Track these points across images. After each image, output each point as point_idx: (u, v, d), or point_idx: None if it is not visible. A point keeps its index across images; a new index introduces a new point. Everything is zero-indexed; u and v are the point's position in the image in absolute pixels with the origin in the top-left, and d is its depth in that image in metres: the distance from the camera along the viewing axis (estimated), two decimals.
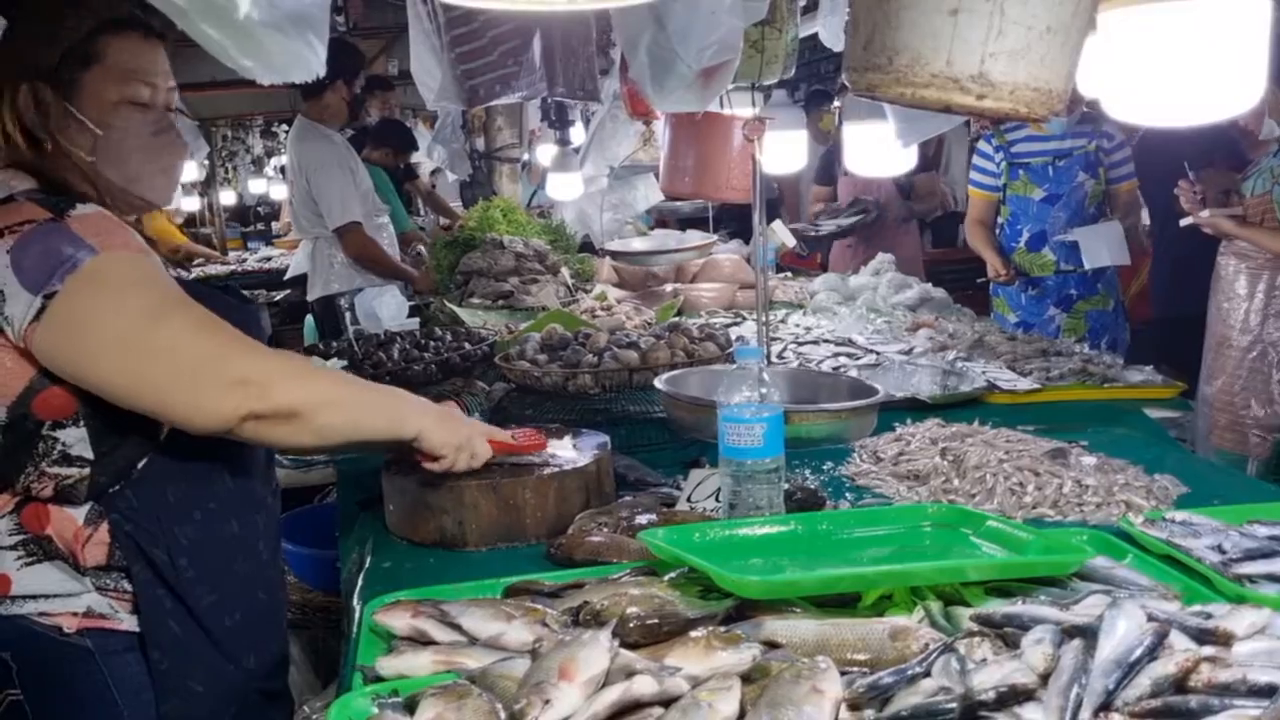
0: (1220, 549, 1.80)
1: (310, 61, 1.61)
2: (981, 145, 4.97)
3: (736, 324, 3.98)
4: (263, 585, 1.89)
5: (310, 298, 5.20)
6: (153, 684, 1.71)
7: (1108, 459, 2.39)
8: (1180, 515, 1.99)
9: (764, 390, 1.95)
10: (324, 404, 1.71)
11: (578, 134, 4.91)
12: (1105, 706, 1.15)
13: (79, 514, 1.69)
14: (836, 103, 5.94)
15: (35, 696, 1.71)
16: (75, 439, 1.65)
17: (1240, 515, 2.00)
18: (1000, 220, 4.94)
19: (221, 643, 1.77)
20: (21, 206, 1.62)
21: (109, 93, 1.72)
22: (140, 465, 1.71)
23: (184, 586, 1.71)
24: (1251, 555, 1.79)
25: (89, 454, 1.66)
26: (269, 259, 11.07)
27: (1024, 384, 2.99)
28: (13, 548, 1.69)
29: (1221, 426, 4.08)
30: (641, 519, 2.08)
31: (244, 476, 1.85)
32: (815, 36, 3.11)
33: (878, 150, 3.04)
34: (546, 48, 2.95)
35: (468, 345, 3.04)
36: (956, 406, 2.88)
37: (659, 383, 2.46)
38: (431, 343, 3.12)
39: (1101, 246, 4.55)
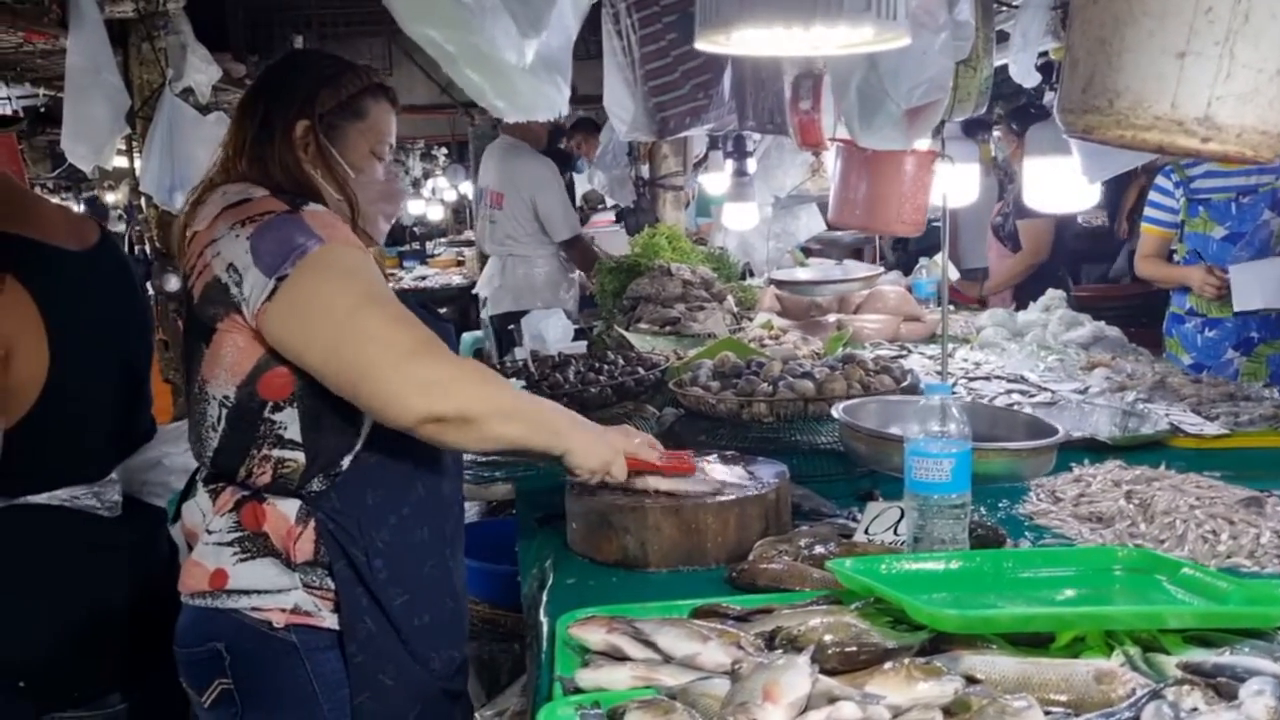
0: None
1: (555, 100, 1.72)
2: (1160, 180, 4.81)
3: (903, 356, 3.96)
4: (449, 591, 1.99)
5: (491, 313, 5.46)
6: (348, 680, 1.81)
7: None
8: None
9: (952, 425, 1.95)
10: (498, 413, 1.82)
11: (754, 165, 4.97)
12: None
13: (291, 512, 1.82)
14: (996, 132, 5.84)
15: (244, 687, 1.83)
16: (289, 420, 1.81)
17: None
18: (1176, 259, 4.77)
19: (410, 642, 1.87)
20: (261, 201, 1.82)
21: (364, 144, 1.97)
22: (344, 466, 1.83)
23: (378, 586, 1.83)
24: None
25: (299, 438, 1.80)
26: (424, 278, 11.45)
27: (1211, 428, 2.89)
28: (230, 544, 1.83)
29: None
30: (820, 549, 2.10)
31: (435, 485, 1.97)
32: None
33: (1061, 186, 3.00)
34: (737, 80, 3.01)
35: (641, 370, 3.10)
36: (1137, 449, 2.81)
37: (837, 412, 2.47)
38: (605, 366, 3.20)
39: (1254, 285, 4.30)
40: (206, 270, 1.79)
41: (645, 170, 6.32)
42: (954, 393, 3.29)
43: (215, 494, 1.86)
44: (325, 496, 1.81)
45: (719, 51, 1.57)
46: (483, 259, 6.28)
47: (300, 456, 1.80)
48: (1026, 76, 2.74)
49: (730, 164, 4.70)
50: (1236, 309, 4.42)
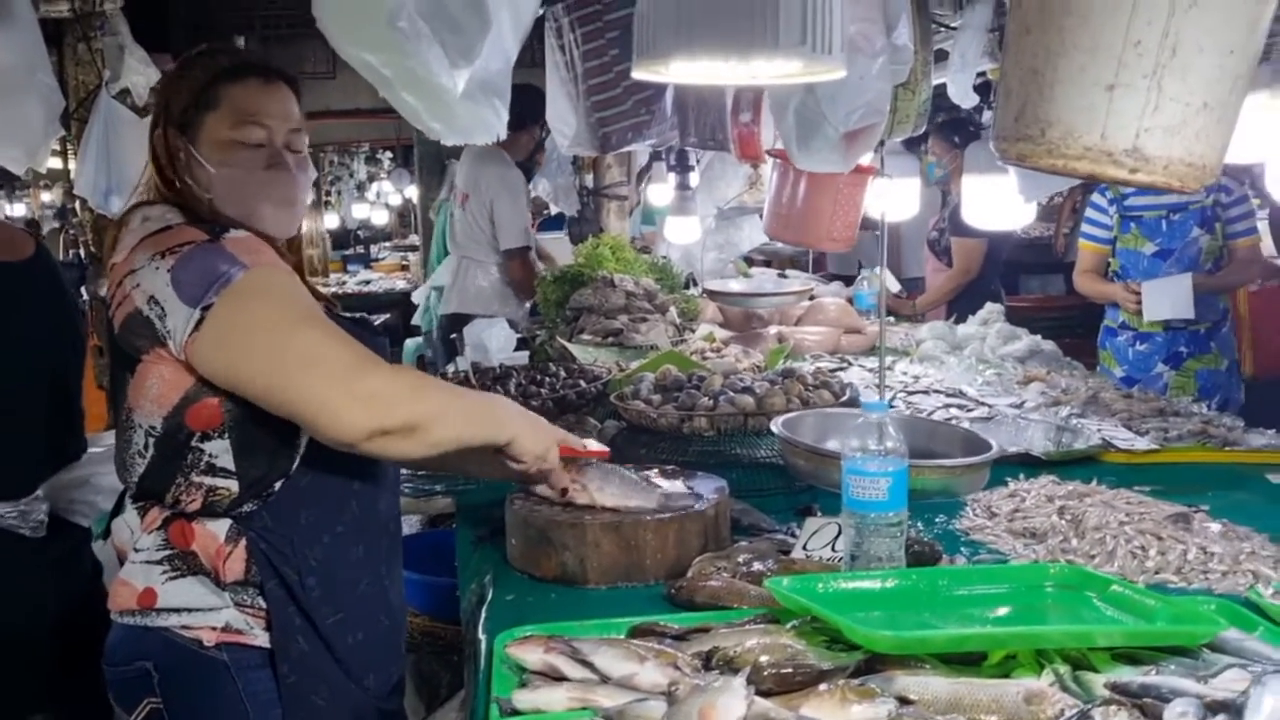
0: None
1: (492, 124, 1.70)
2: (1095, 198, 4.91)
3: (843, 369, 3.99)
4: (384, 609, 1.97)
5: (441, 310, 5.45)
6: (280, 699, 1.79)
7: (1232, 526, 2.35)
8: None
9: (889, 444, 1.97)
10: (440, 417, 1.80)
11: (696, 178, 4.99)
12: None
13: (220, 531, 1.79)
14: (931, 148, 5.90)
15: (174, 706, 1.80)
16: (220, 450, 1.77)
17: None
18: (1110, 273, 4.88)
19: (344, 661, 1.85)
20: (182, 230, 1.78)
21: (222, 134, 1.87)
22: (276, 487, 1.80)
23: (311, 605, 1.80)
24: None
25: (232, 466, 1.76)
26: (368, 282, 11.37)
27: (1141, 444, 2.95)
28: (159, 562, 1.79)
29: None
30: (759, 565, 2.10)
31: (371, 503, 1.95)
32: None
33: (998, 204, 3.04)
34: (679, 97, 3.02)
35: (583, 383, 3.10)
36: (1071, 464, 2.86)
37: (776, 427, 2.49)
38: (547, 378, 3.19)
39: (1164, 298, 4.48)
40: (127, 301, 1.75)
41: (590, 180, 6.34)
42: (892, 406, 3.33)
43: (143, 511, 1.82)
44: (257, 516, 1.79)
45: (657, 80, 1.57)
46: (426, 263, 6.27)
47: (233, 485, 1.78)
48: (965, 97, 2.78)
49: (673, 177, 4.72)
50: (1147, 319, 4.56)
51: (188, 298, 1.70)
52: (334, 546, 1.86)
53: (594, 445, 2.24)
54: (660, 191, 5.22)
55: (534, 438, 1.98)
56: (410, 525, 3.71)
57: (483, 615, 2.13)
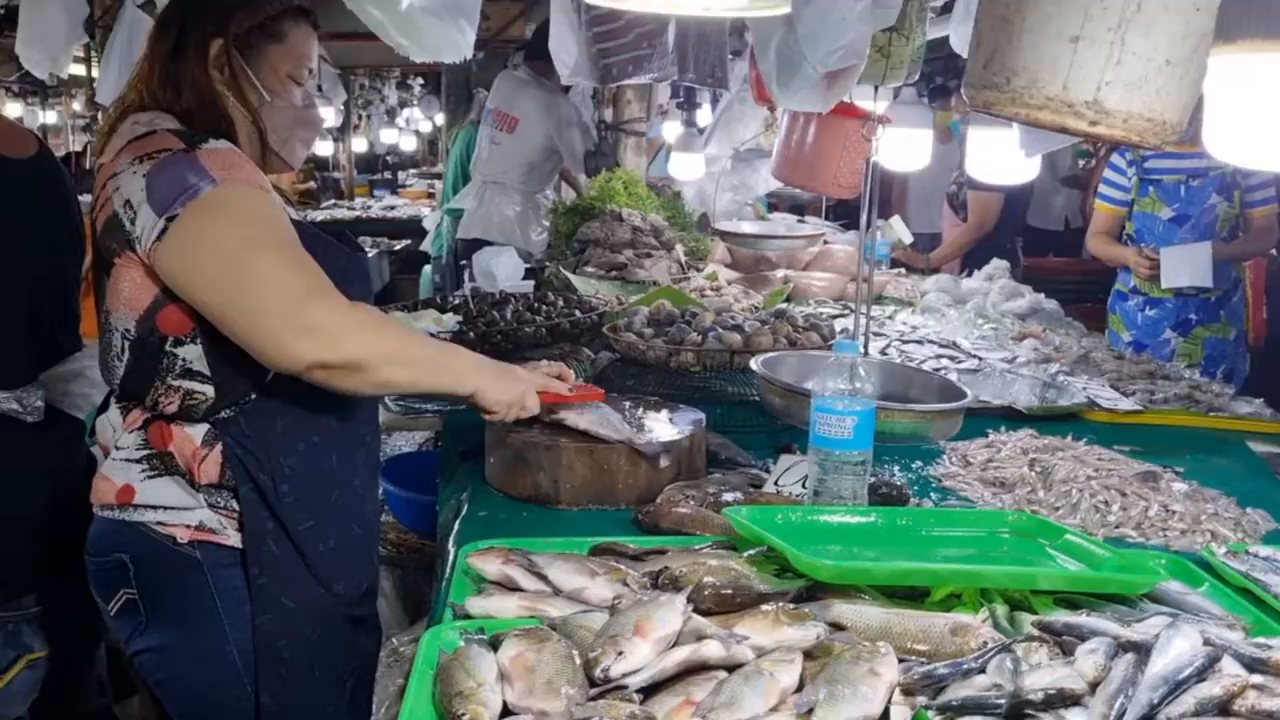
0: None
1: (459, 44, 1.72)
2: (1114, 159, 4.87)
3: (844, 315, 4.01)
4: (356, 519, 2.02)
5: (463, 235, 5.52)
6: (250, 598, 1.85)
7: (1200, 488, 2.39)
8: (1265, 550, 2.00)
9: (858, 384, 2.01)
10: (389, 359, 1.82)
11: (704, 116, 4.98)
12: (1147, 719, 1.20)
13: (197, 435, 1.84)
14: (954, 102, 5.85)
15: (148, 598, 1.86)
16: (194, 356, 1.81)
17: None
18: (1124, 236, 4.86)
19: (314, 566, 1.90)
20: (161, 137, 1.80)
21: (281, 68, 1.94)
22: (253, 395, 1.85)
23: (284, 511, 1.85)
24: None
25: (207, 371, 1.81)
26: (393, 208, 11.39)
27: (1125, 404, 2.98)
28: (138, 461, 1.85)
29: None
30: (728, 496, 2.16)
31: (347, 416, 1.99)
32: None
33: (1001, 158, 3.04)
34: (680, 34, 3.02)
35: (578, 313, 3.14)
36: (1053, 420, 2.89)
37: (755, 364, 2.52)
38: (544, 307, 3.23)
39: (1182, 266, 4.44)
40: (108, 204, 1.79)
41: (609, 114, 6.33)
42: (885, 354, 3.36)
43: (125, 411, 1.88)
44: (233, 422, 1.83)
45: (614, 7, 1.59)
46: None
47: (209, 390, 1.82)
48: (965, 47, 2.76)
49: (681, 114, 4.71)
50: (1165, 285, 4.53)
51: (156, 205, 1.72)
52: (308, 455, 1.90)
53: (591, 389, 2.27)
54: (674, 129, 5.21)
55: (501, 389, 2.01)
56: (407, 444, 3.79)
57: (455, 528, 2.19)
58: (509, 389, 2.01)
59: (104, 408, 1.96)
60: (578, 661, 1.39)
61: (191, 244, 1.72)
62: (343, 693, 1.95)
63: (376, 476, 2.13)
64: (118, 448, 1.86)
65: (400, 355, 1.84)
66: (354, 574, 2.00)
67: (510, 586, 1.73)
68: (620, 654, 1.38)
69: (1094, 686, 1.29)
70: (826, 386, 2.01)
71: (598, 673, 1.36)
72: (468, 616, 1.65)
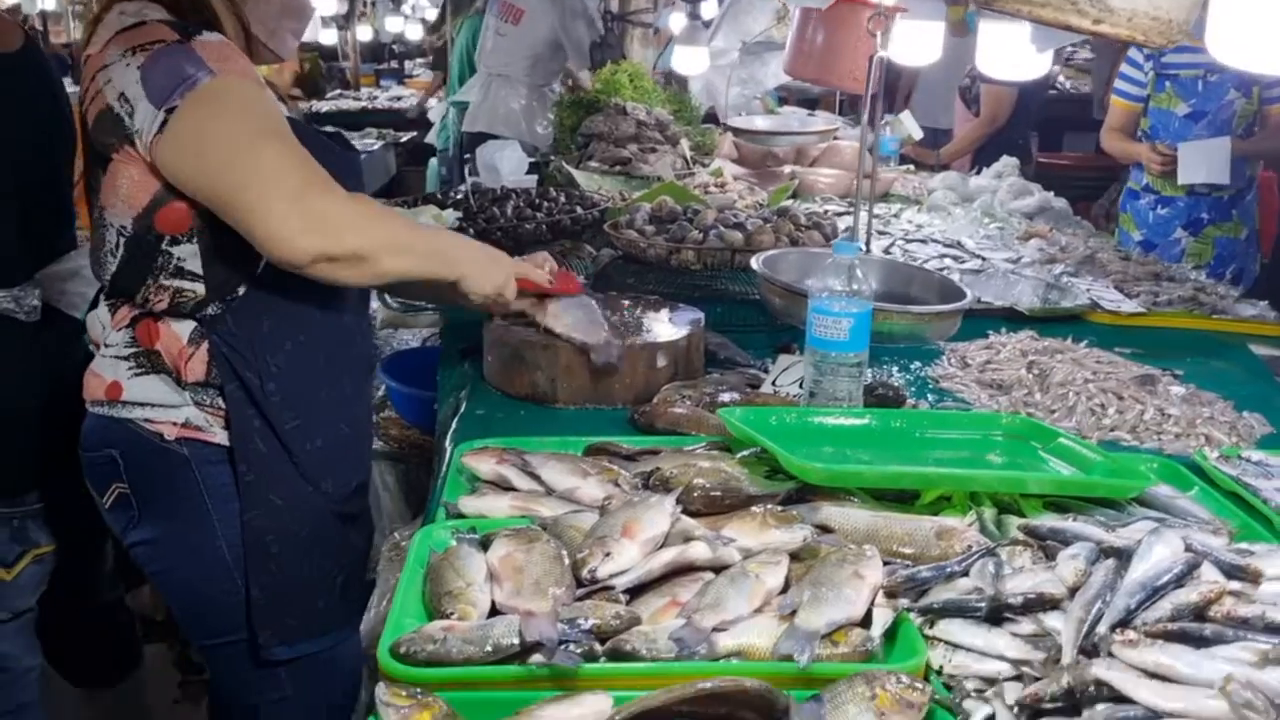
0: None
1: None
2: (1131, 53, 4.76)
3: (848, 213, 3.97)
4: (345, 418, 2.01)
5: (468, 129, 5.44)
6: (239, 495, 1.87)
7: (1198, 391, 2.38)
8: (1258, 455, 2.00)
9: (856, 286, 2.00)
10: (389, 248, 1.81)
11: (709, 9, 4.85)
12: (1123, 623, 1.22)
13: (184, 332, 1.84)
14: None
15: (139, 493, 1.89)
16: (189, 254, 1.80)
17: None
18: (1139, 132, 4.77)
19: (302, 464, 1.91)
20: (153, 28, 1.76)
21: None
22: (240, 291, 1.84)
23: (270, 409, 1.85)
24: None
25: (199, 270, 1.80)
26: (399, 98, 11.22)
27: (1128, 306, 2.95)
28: (126, 358, 1.86)
29: None
30: (725, 396, 2.16)
31: (336, 314, 1.98)
32: None
33: (1013, 52, 2.96)
34: None
35: (579, 209, 3.11)
36: (1055, 321, 2.87)
37: (755, 263, 2.51)
38: (545, 203, 3.20)
39: (1199, 161, 4.36)
40: (99, 97, 1.76)
41: (615, 4, 6.18)
42: (888, 253, 3.33)
43: (114, 308, 1.87)
44: (220, 320, 1.83)
45: None
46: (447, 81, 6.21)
47: (199, 287, 1.81)
48: None
49: (685, 4, 4.60)
50: (1181, 181, 4.46)
51: (154, 98, 1.70)
52: (295, 354, 1.89)
53: (570, 279, 2.26)
54: (679, 20, 5.09)
55: (485, 276, 1.99)
56: (412, 340, 3.79)
57: (453, 427, 2.21)
58: (491, 278, 2.00)
59: (95, 304, 1.96)
60: (566, 562, 1.41)
61: (193, 135, 1.70)
62: (333, 587, 1.97)
63: (368, 377, 2.13)
64: (106, 345, 1.87)
65: (399, 243, 1.84)
66: (342, 473, 2.00)
67: (504, 486, 1.75)
68: (608, 555, 1.40)
69: (1073, 591, 1.30)
70: (823, 288, 2.00)
71: (585, 574, 1.38)
72: (460, 515, 1.67)
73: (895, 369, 2.57)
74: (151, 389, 1.83)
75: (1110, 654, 1.18)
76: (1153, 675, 1.14)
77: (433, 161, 7.89)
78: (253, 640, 1.92)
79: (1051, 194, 4.34)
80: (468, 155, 4.91)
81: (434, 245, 1.97)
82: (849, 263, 2.01)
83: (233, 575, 1.88)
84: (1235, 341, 2.92)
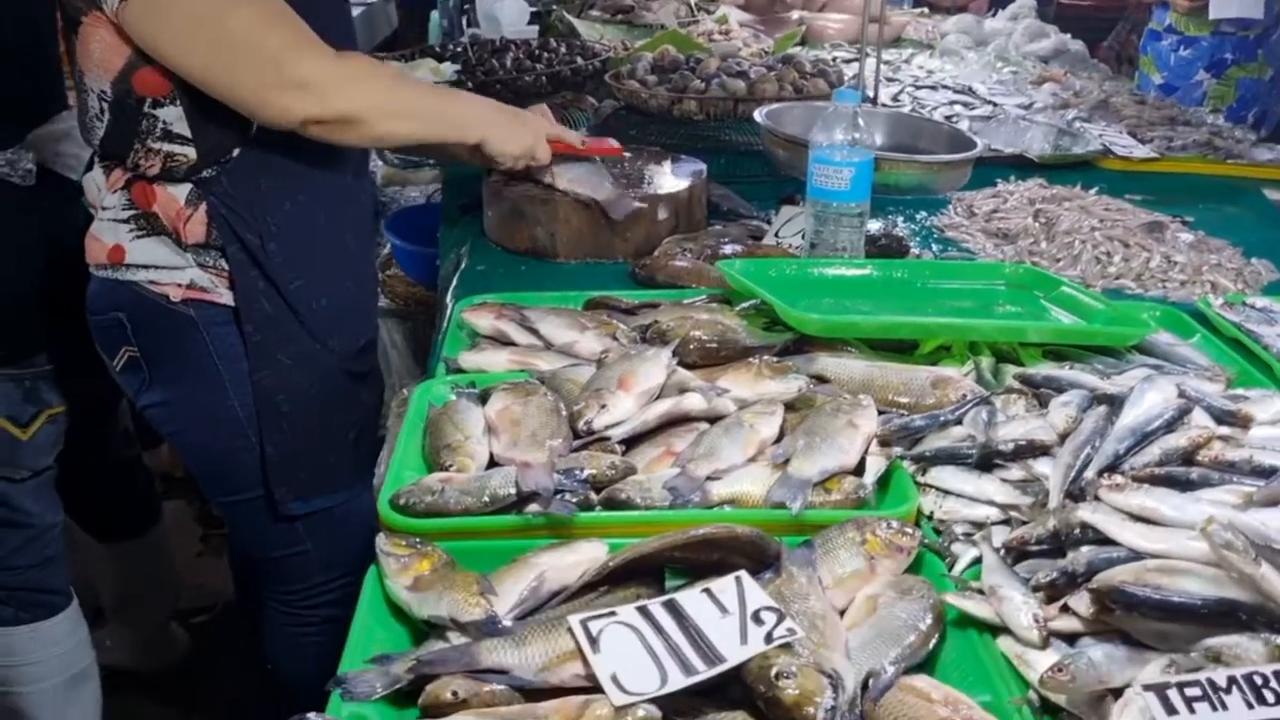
0: None
1: None
2: None
3: (856, 60, 3.86)
4: (350, 276, 1.99)
5: None
6: (247, 355, 1.87)
7: (1206, 238, 2.36)
8: (1262, 301, 1.99)
9: (858, 135, 1.96)
10: (385, 111, 1.77)
11: None
12: (1111, 469, 1.23)
13: (180, 194, 1.79)
14: None
15: (149, 355, 1.88)
16: (174, 117, 1.74)
17: None
18: None
19: (309, 323, 1.89)
20: None
21: None
22: (235, 153, 1.79)
23: (274, 269, 1.83)
24: None
25: (188, 133, 1.75)
26: None
27: (1140, 151, 2.90)
28: (126, 221, 1.83)
29: None
30: (726, 249, 2.15)
31: (336, 172, 1.93)
32: None
33: None
34: None
35: (580, 60, 3.04)
36: (1065, 168, 2.82)
37: (758, 115, 2.46)
38: (545, 54, 3.13)
39: None
40: None
41: None
42: (897, 100, 3.26)
43: (108, 170, 1.84)
44: (216, 181, 1.79)
45: None
46: None
47: (190, 151, 1.76)
48: None
49: None
50: (1213, 15, 4.32)
51: None
52: (295, 214, 1.85)
53: (606, 143, 2.22)
54: None
55: (510, 137, 1.95)
56: (420, 194, 3.75)
57: (454, 283, 2.21)
58: (519, 139, 1.97)
59: (90, 166, 1.93)
60: (563, 414, 1.43)
61: (160, 3, 1.63)
62: (345, 443, 1.99)
63: (372, 235, 2.10)
64: (104, 207, 1.85)
65: (397, 107, 1.80)
66: (350, 330, 2.00)
67: (503, 341, 1.75)
68: (604, 407, 1.41)
69: (1064, 438, 1.31)
70: (825, 137, 1.96)
71: (581, 425, 1.40)
72: (460, 370, 1.68)
73: (901, 219, 2.54)
74: (154, 251, 1.81)
75: (1096, 498, 1.19)
76: (1137, 518, 1.16)
77: (434, 14, 7.67)
78: (269, 496, 1.94)
79: (1069, 36, 4.22)
80: (467, 5, 4.77)
81: (442, 107, 1.92)
82: (850, 111, 1.97)
83: (246, 434, 1.89)
84: (1250, 187, 2.87)
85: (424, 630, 1.16)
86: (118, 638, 2.90)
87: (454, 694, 1.02)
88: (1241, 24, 4.39)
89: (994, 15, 4.68)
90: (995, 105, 3.22)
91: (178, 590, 2.99)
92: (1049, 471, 1.26)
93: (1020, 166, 2.82)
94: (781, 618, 1.04)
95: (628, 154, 2.36)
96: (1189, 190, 2.78)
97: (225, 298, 1.83)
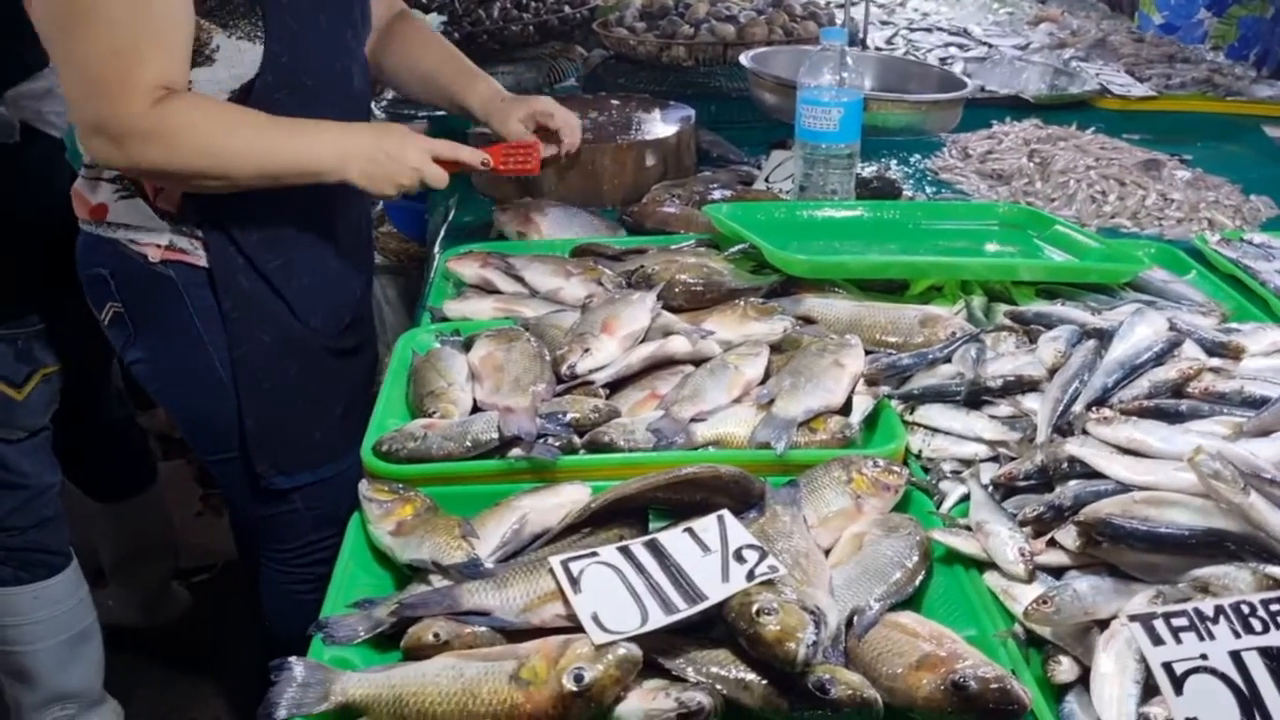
0: None
1: None
2: None
3: (852, 4, 3.81)
4: (333, 254, 1.91)
5: None
6: (225, 329, 1.84)
7: (1204, 175, 2.33)
8: (1260, 237, 1.96)
9: (845, 74, 1.93)
10: (197, 168, 1.63)
11: None
12: (1099, 402, 1.21)
13: None
14: None
15: (132, 312, 1.84)
16: None
17: None
18: None
19: (290, 301, 1.83)
20: None
21: None
22: None
23: (251, 249, 1.77)
24: None
25: None
26: None
27: (1138, 90, 2.86)
28: (111, 180, 1.80)
29: None
30: (716, 194, 2.12)
31: None
32: None
33: None
34: None
35: (568, 9, 2.99)
36: (1062, 109, 2.78)
37: (745, 60, 2.42)
38: (533, 3, 3.08)
39: None
40: None
41: None
42: (890, 44, 3.22)
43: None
44: None
45: None
46: None
47: None
48: None
49: None
50: None
51: None
52: (274, 194, 1.73)
53: (526, 147, 1.92)
54: None
55: (380, 175, 1.72)
56: None
57: (441, 234, 2.19)
58: (390, 175, 1.72)
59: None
60: (547, 359, 1.41)
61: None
62: (331, 419, 1.93)
63: (357, 205, 2.01)
64: (88, 165, 1.82)
65: (217, 161, 1.63)
66: (334, 309, 1.92)
67: (488, 289, 1.74)
68: (586, 351, 1.40)
69: (1053, 373, 1.29)
70: (812, 77, 1.93)
71: (565, 369, 1.39)
72: (445, 319, 1.66)
73: (894, 163, 2.51)
74: (135, 211, 1.77)
75: (1084, 432, 1.18)
76: (1125, 451, 1.14)
77: None
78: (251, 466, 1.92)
79: None
80: None
81: (280, 154, 1.68)
82: (838, 50, 1.94)
83: (230, 395, 1.86)
84: (1249, 124, 2.83)
85: (407, 575, 1.15)
86: (119, 597, 2.91)
87: (436, 636, 1.01)
88: None
89: None
90: (990, 46, 3.17)
91: (177, 549, 3.00)
92: (1037, 407, 1.24)
93: (1016, 108, 2.78)
94: (764, 555, 1.03)
95: (615, 102, 2.32)
96: (1188, 129, 2.75)
97: (203, 260, 1.78)
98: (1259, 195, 2.25)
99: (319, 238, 1.87)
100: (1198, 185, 2.26)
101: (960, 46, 3.17)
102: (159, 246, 1.78)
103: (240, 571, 2.46)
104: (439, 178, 1.75)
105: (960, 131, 2.57)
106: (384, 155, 1.72)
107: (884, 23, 3.47)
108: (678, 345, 1.41)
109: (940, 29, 3.36)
